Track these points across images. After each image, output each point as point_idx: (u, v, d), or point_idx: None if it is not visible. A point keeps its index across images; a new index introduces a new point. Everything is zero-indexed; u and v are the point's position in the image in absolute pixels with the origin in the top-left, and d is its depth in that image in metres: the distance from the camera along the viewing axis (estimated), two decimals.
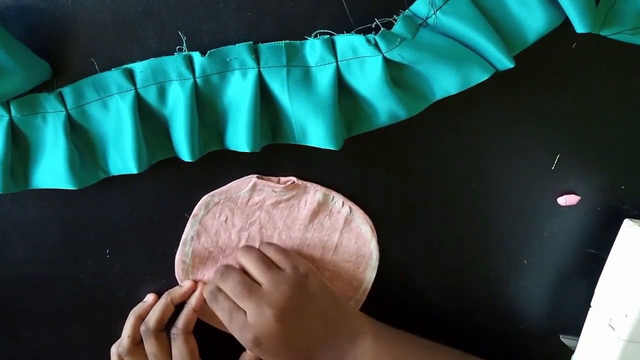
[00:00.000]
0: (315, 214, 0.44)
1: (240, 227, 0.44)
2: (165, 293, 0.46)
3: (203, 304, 0.45)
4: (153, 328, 0.44)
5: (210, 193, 0.43)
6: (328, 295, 0.43)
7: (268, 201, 0.43)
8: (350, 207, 0.44)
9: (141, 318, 0.45)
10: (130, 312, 0.46)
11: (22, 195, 0.42)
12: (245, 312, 0.41)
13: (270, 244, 0.45)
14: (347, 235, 0.45)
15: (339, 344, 0.42)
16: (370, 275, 0.46)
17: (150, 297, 0.46)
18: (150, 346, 0.44)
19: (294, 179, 0.43)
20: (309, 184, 0.43)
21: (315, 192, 0.43)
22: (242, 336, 0.41)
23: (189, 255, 0.45)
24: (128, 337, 0.45)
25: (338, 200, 0.44)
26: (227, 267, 0.43)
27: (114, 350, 0.46)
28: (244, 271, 0.43)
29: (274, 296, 0.40)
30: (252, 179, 0.43)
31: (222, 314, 0.42)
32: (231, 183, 0.43)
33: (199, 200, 0.44)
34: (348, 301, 0.47)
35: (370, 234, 0.45)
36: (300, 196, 0.44)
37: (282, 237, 0.45)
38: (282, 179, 0.43)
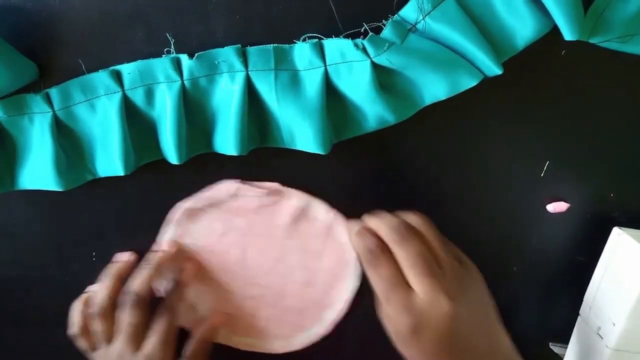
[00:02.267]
0: (297, 220, 0.43)
1: (222, 231, 0.44)
2: (150, 258, 0.42)
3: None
4: (141, 296, 0.40)
5: (192, 197, 0.43)
6: (491, 305, 0.37)
7: (250, 206, 0.43)
8: (332, 215, 0.43)
9: (122, 279, 0.41)
10: (108, 270, 0.41)
11: (8, 196, 0.42)
12: (411, 291, 0.35)
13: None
14: (329, 243, 0.44)
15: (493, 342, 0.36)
16: (352, 284, 0.45)
17: (129, 256, 0.42)
18: (132, 317, 0.40)
19: (277, 184, 0.43)
20: (291, 190, 0.43)
21: (297, 199, 0.43)
22: (400, 317, 0.34)
23: None
24: (109, 297, 0.40)
25: (321, 208, 0.43)
26: (409, 229, 0.36)
27: (79, 307, 0.42)
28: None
29: (455, 286, 0.34)
30: (235, 183, 0.42)
31: (379, 280, 0.35)
32: (214, 187, 0.42)
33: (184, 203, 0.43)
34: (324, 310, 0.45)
35: None
36: (283, 202, 0.43)
37: (264, 242, 0.44)
38: (266, 184, 0.43)
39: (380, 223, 0.37)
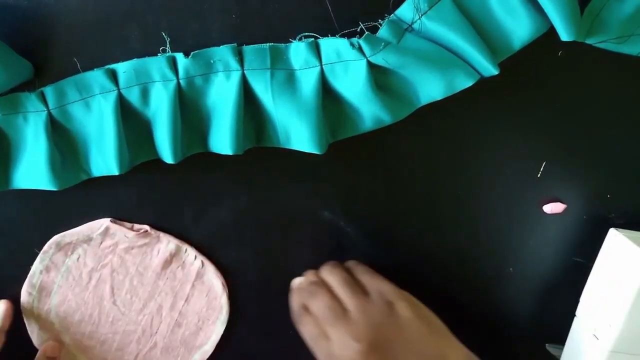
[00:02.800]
0: (167, 263, 0.45)
1: (92, 267, 0.45)
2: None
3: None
4: None
5: (61, 233, 0.43)
6: (422, 326, 0.39)
7: (121, 245, 0.44)
8: (202, 261, 0.45)
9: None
10: None
11: (2, 195, 0.42)
12: (330, 339, 0.39)
13: (357, 263, 0.43)
14: (199, 287, 0.46)
15: None
16: (219, 328, 0.47)
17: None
18: None
19: (147, 227, 0.44)
20: (162, 234, 0.44)
21: (168, 243, 0.44)
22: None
23: (35, 287, 0.45)
24: None
25: (191, 253, 0.45)
26: (316, 286, 0.41)
27: None
28: (330, 292, 0.41)
29: (360, 326, 0.38)
30: (105, 222, 0.43)
31: (307, 337, 0.40)
32: (83, 225, 0.43)
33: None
34: (193, 351, 0.47)
35: (221, 289, 0.46)
36: (154, 245, 0.44)
37: (134, 282, 0.45)
38: (136, 225, 0.44)
39: (298, 283, 0.43)
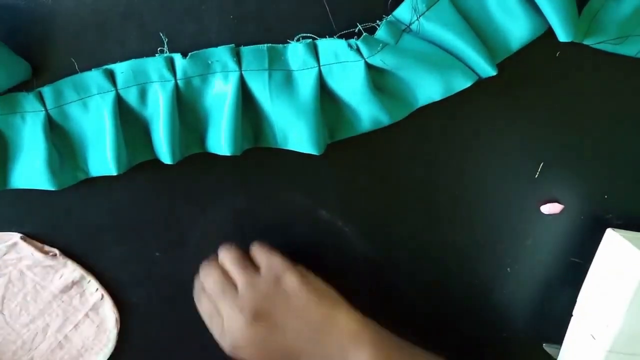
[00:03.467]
0: (67, 288, 0.45)
1: None
2: None
3: None
4: None
5: None
6: (310, 295, 0.40)
7: (24, 262, 0.44)
8: (102, 294, 0.46)
9: None
10: None
11: (1, 194, 0.42)
12: (221, 315, 0.40)
13: (257, 243, 0.43)
14: (92, 317, 0.47)
15: (328, 354, 0.39)
16: (102, 359, 0.48)
17: None
18: None
19: (57, 251, 0.44)
20: (70, 261, 0.44)
21: (73, 270, 0.45)
22: (221, 342, 0.40)
23: None
24: None
25: (93, 285, 0.46)
26: (212, 265, 0.42)
27: None
28: (222, 270, 0.42)
29: (245, 298, 0.39)
30: (15, 238, 0.43)
31: (204, 316, 0.42)
32: None
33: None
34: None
35: (113, 324, 0.47)
36: (59, 268, 0.45)
37: (28, 297, 0.46)
38: (46, 247, 0.44)
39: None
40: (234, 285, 0.40)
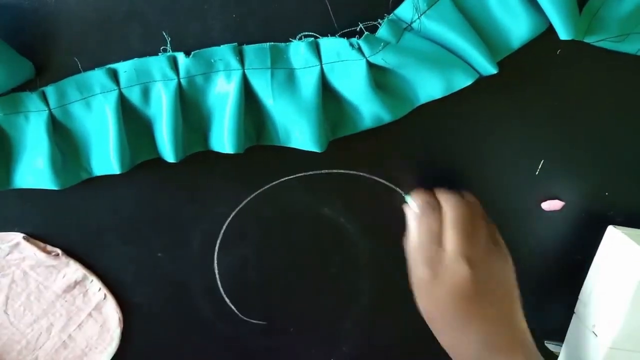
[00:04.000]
0: (70, 288, 0.46)
1: None
2: None
3: None
4: None
5: None
6: (513, 289, 0.41)
7: (27, 262, 0.44)
8: (105, 294, 0.46)
9: None
10: None
11: (4, 195, 0.42)
12: (442, 250, 0.39)
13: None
14: (95, 316, 0.47)
15: (494, 349, 0.39)
16: (104, 359, 0.48)
17: None
18: None
19: (59, 251, 0.44)
20: (72, 261, 0.45)
21: (76, 270, 0.45)
22: (424, 267, 0.39)
23: None
24: None
25: (96, 284, 0.46)
26: (463, 201, 0.40)
27: None
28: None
29: (482, 256, 0.39)
30: (18, 238, 0.43)
31: (424, 229, 0.40)
32: None
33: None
34: None
35: (116, 323, 0.47)
36: (61, 268, 0.45)
37: (31, 297, 0.46)
38: (49, 247, 0.44)
39: (442, 192, 0.41)
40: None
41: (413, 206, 0.41)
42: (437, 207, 0.40)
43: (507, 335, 0.39)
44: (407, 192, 0.42)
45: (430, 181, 0.44)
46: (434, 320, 0.41)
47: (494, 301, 0.39)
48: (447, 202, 0.40)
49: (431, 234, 0.40)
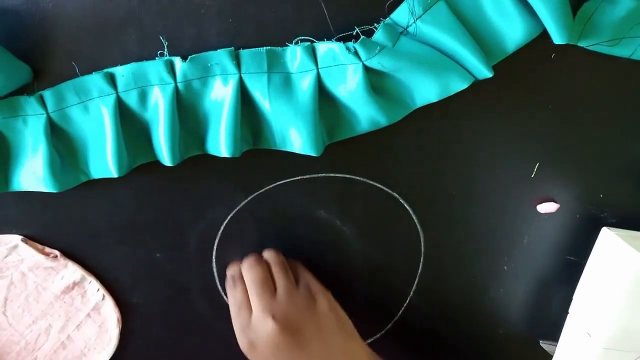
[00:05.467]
0: (68, 289, 0.46)
1: None
2: None
3: None
4: None
5: None
6: (336, 321, 0.42)
7: (26, 263, 0.45)
8: (104, 295, 0.46)
9: None
10: None
11: (2, 197, 0.42)
12: (251, 312, 0.40)
13: (294, 259, 0.45)
14: (94, 317, 0.47)
15: None
16: (103, 358, 0.49)
17: None
18: None
19: (57, 252, 0.44)
20: (70, 262, 0.45)
21: (74, 271, 0.45)
22: (240, 335, 0.41)
23: None
24: None
25: (94, 285, 0.46)
26: (259, 260, 0.43)
27: None
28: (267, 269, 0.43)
29: (282, 306, 0.40)
30: (16, 240, 0.44)
31: (232, 303, 0.42)
32: None
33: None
34: None
35: (115, 324, 0.47)
36: (59, 270, 0.45)
37: (30, 299, 0.46)
38: (47, 249, 0.44)
39: (244, 259, 0.44)
40: (273, 287, 0.41)
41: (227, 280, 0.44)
42: (238, 277, 0.43)
43: None
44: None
45: (426, 185, 0.44)
46: None
47: (314, 339, 0.40)
48: (243, 268, 0.42)
49: (238, 303, 0.41)
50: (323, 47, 0.37)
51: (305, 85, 0.38)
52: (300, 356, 0.40)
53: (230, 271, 0.44)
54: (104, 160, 0.39)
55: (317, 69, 0.37)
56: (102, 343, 0.48)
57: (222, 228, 0.45)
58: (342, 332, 0.42)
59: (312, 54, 0.37)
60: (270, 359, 0.40)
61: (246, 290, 0.41)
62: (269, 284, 0.41)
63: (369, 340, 0.50)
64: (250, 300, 0.41)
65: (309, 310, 0.41)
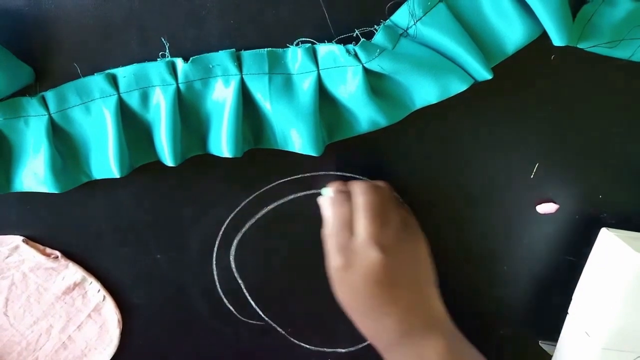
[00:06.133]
0: (69, 290, 0.46)
1: None
2: None
3: None
4: None
5: None
6: (428, 274, 0.41)
7: (27, 264, 0.45)
8: (104, 295, 0.47)
9: None
10: None
11: (4, 198, 0.42)
12: (352, 236, 0.39)
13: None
14: (95, 317, 0.48)
15: (411, 332, 0.39)
16: (104, 359, 0.49)
17: None
18: None
19: (58, 253, 0.45)
20: (71, 263, 0.45)
21: (75, 272, 0.45)
22: (336, 253, 0.39)
23: None
24: None
25: (95, 286, 0.46)
26: (376, 188, 0.40)
27: None
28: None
29: (391, 241, 0.38)
30: (17, 240, 0.44)
31: (334, 219, 0.40)
32: None
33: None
34: None
35: (115, 324, 0.48)
36: (60, 270, 0.45)
37: (31, 299, 0.46)
38: (48, 249, 0.45)
39: (354, 182, 0.42)
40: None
41: (326, 195, 0.42)
42: (347, 194, 0.40)
43: (422, 317, 0.40)
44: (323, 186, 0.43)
45: (426, 185, 0.44)
46: (351, 308, 0.40)
47: (407, 284, 0.39)
48: (357, 189, 0.40)
49: (343, 221, 0.39)
50: (323, 49, 0.37)
51: (305, 86, 0.38)
52: (390, 300, 0.39)
53: (338, 187, 0.41)
54: (105, 160, 0.39)
55: (318, 70, 0.38)
56: (102, 343, 0.48)
57: (222, 228, 0.45)
58: (429, 287, 0.41)
59: (313, 55, 0.38)
60: (360, 286, 0.38)
61: (351, 211, 0.39)
62: (383, 214, 0.39)
63: (369, 341, 0.50)
64: (357, 223, 0.39)
65: (414, 253, 0.40)
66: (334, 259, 0.39)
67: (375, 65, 0.36)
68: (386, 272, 0.38)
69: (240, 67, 0.38)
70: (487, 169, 0.44)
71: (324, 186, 0.43)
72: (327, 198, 0.41)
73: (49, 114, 0.38)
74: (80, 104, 0.38)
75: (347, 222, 0.39)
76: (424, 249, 0.42)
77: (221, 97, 0.38)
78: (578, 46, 0.39)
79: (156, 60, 0.38)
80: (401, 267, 0.39)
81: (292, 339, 0.50)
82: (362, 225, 0.38)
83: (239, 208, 0.45)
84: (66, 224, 0.44)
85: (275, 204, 0.45)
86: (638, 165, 0.44)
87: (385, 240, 0.38)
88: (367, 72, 0.37)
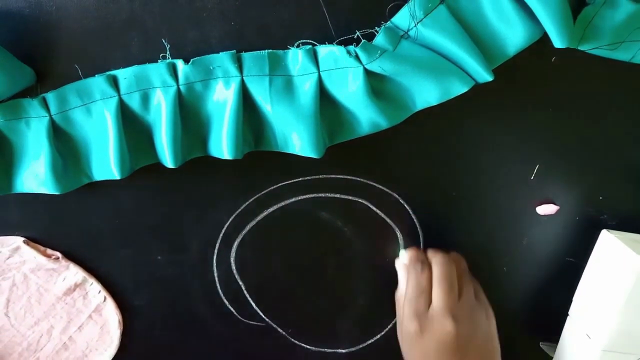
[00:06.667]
0: (70, 291, 0.46)
1: None
2: None
3: None
4: None
5: None
6: (494, 349, 0.43)
7: (28, 265, 0.45)
8: (105, 296, 0.47)
9: None
10: None
11: (5, 199, 0.42)
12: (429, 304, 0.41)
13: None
14: (96, 318, 0.48)
15: None
16: (107, 358, 0.49)
17: None
18: None
19: (59, 254, 0.45)
20: (72, 264, 0.45)
21: (75, 273, 0.45)
22: (411, 319, 0.41)
23: None
24: None
25: (95, 287, 0.46)
26: (452, 260, 0.43)
27: None
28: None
29: (464, 313, 0.41)
30: (18, 241, 0.44)
31: (413, 286, 0.42)
32: None
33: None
34: None
35: (116, 325, 0.48)
36: (61, 271, 0.45)
37: (32, 300, 0.46)
38: (49, 250, 0.45)
39: (431, 251, 0.44)
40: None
41: (403, 260, 0.44)
42: (425, 263, 0.43)
43: None
44: (402, 247, 0.46)
45: (426, 186, 0.44)
46: None
47: (476, 355, 0.41)
48: (435, 259, 0.42)
49: (420, 288, 0.41)
50: (324, 51, 0.37)
51: (306, 87, 0.38)
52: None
53: (416, 255, 0.43)
54: (106, 162, 0.39)
55: (319, 72, 0.38)
56: (103, 344, 0.48)
57: (223, 230, 0.45)
58: (493, 354, 0.43)
59: (314, 57, 0.38)
60: (432, 352, 0.40)
61: (431, 280, 0.41)
62: (457, 286, 0.41)
63: (370, 341, 0.50)
64: (435, 293, 0.41)
65: (483, 325, 0.42)
66: (409, 324, 0.41)
67: (376, 66, 0.36)
68: (459, 342, 0.40)
69: (240, 68, 0.38)
70: (488, 169, 0.44)
71: (401, 248, 0.46)
72: (404, 264, 0.44)
73: (50, 116, 0.38)
74: (81, 106, 0.38)
75: (424, 290, 0.41)
76: (493, 322, 0.43)
77: (222, 98, 0.38)
78: (579, 48, 0.39)
79: (157, 61, 0.38)
80: (472, 338, 0.41)
81: (292, 340, 0.50)
82: (439, 295, 0.41)
83: (239, 210, 0.45)
84: (67, 225, 0.44)
85: (276, 206, 0.45)
86: (639, 167, 0.44)
87: (460, 312, 0.40)
88: (368, 74, 0.37)
